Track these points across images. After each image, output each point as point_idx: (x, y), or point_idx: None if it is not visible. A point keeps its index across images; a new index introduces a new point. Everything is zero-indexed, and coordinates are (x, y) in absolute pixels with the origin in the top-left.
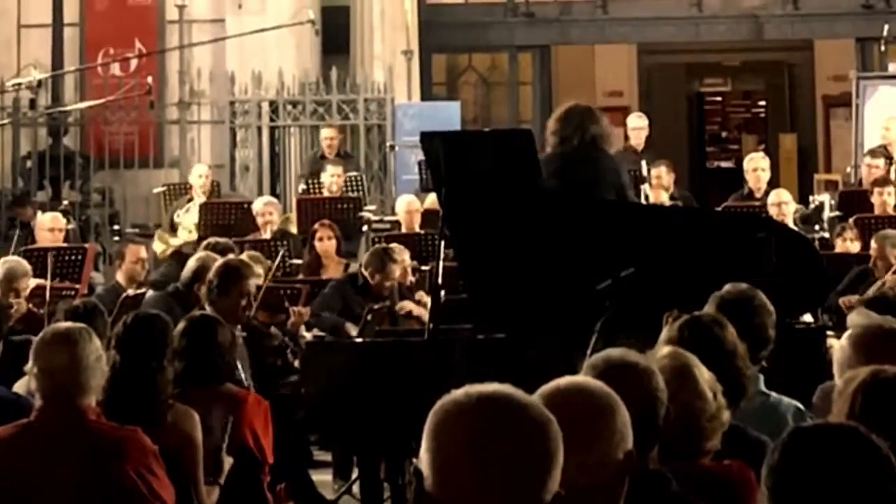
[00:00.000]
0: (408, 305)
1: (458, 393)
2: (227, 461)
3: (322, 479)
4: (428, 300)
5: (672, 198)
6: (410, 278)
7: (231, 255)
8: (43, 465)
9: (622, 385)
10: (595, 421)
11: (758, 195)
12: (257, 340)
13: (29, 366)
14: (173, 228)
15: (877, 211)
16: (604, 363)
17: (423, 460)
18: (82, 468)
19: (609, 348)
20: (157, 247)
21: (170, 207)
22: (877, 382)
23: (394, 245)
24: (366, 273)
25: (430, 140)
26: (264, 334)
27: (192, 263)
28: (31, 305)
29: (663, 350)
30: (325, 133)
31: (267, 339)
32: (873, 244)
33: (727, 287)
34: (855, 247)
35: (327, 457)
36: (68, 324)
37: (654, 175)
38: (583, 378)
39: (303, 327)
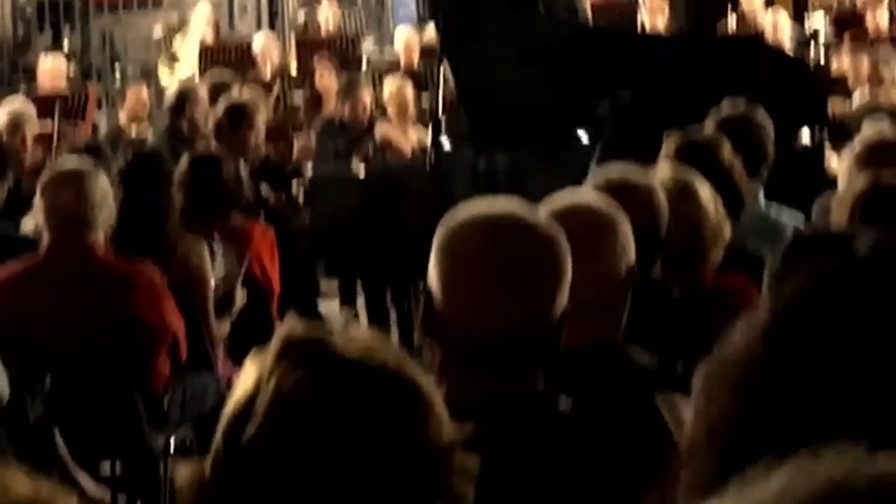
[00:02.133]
0: (388, 134)
1: (466, 208)
2: (241, 295)
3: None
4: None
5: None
6: (412, 111)
7: (235, 90)
8: (53, 299)
9: (623, 202)
10: (597, 236)
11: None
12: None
13: (36, 203)
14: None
15: (870, 30)
16: (604, 182)
17: (432, 277)
18: (91, 301)
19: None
20: (163, 73)
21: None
22: (876, 189)
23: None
24: (340, 108)
25: None
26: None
27: (176, 89)
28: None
29: (664, 166)
30: None
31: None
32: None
33: (726, 105)
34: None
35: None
36: (75, 162)
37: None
38: (584, 195)
39: None
